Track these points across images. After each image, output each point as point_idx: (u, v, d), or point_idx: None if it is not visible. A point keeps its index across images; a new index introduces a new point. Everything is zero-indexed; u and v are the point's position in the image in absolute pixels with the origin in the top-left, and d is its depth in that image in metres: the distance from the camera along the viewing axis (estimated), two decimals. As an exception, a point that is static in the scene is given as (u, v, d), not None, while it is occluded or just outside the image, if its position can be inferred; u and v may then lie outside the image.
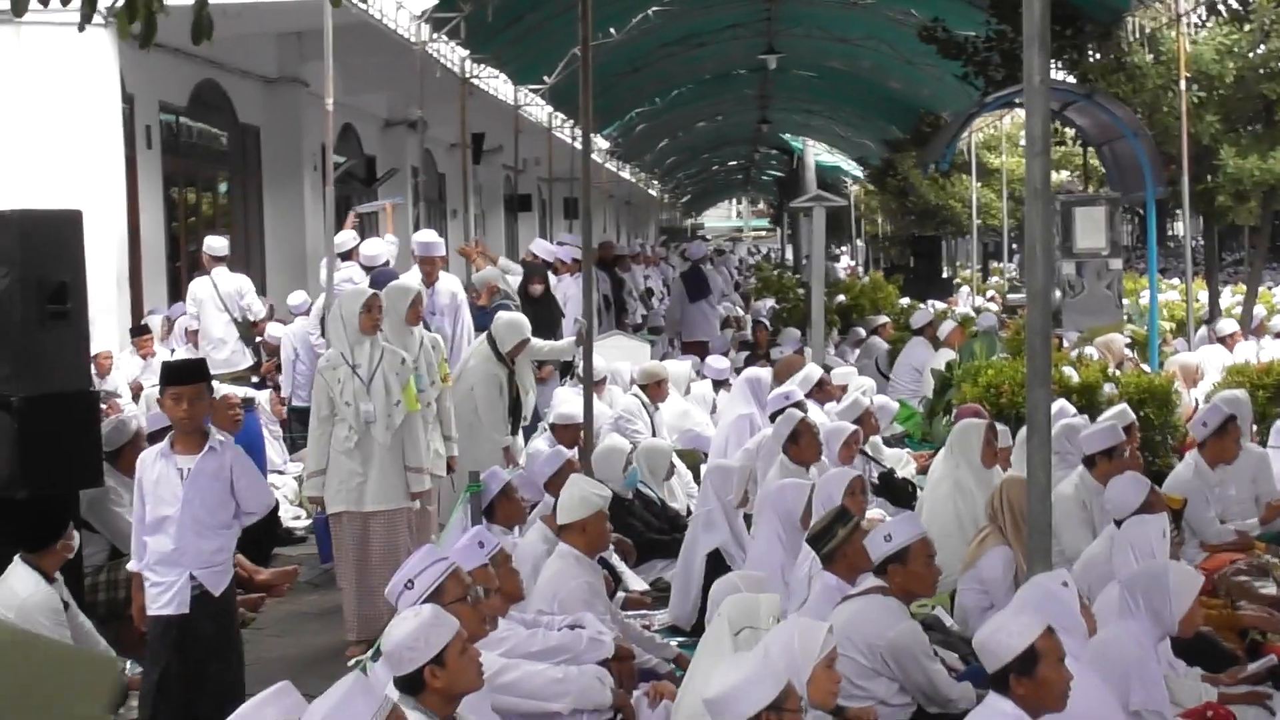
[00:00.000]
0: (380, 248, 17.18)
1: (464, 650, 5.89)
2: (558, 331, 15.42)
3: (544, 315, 15.36)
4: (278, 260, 23.51)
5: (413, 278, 14.24)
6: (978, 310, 29.93)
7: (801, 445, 11.45)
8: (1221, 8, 21.60)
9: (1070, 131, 25.63)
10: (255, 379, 17.50)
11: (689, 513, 12.03)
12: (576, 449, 12.25)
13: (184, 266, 21.13)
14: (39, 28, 16.89)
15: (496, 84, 27.50)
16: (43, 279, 9.05)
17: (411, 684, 5.80)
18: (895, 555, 7.71)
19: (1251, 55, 22.77)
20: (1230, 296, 30.47)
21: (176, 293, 19.66)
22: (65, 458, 9.27)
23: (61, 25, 17.31)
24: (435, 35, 21.72)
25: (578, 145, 33.80)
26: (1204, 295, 26.58)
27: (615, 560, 10.67)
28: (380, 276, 15.10)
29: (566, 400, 14.30)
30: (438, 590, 6.65)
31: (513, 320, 13.03)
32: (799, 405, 13.10)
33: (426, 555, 6.97)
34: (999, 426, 11.87)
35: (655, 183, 66.15)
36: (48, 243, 9.21)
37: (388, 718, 5.15)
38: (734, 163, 70.81)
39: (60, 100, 17.31)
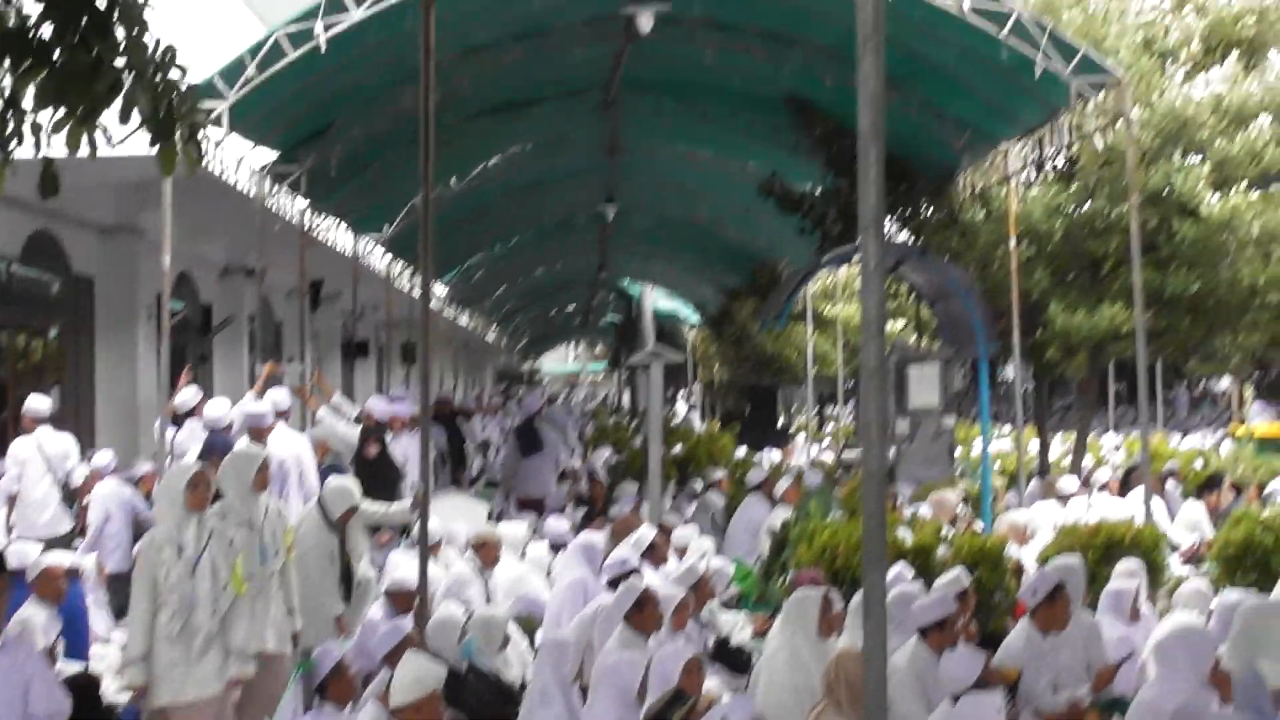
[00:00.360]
0: (224, 409, 16.67)
1: None
2: (395, 492, 15.14)
3: (380, 477, 15.06)
4: (109, 413, 23.08)
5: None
6: (813, 463, 30.08)
7: (645, 614, 11.33)
8: (1049, 167, 22.06)
9: (904, 287, 26.00)
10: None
11: (524, 684, 11.88)
12: (412, 617, 12.08)
13: (10, 418, 20.65)
14: None
15: (336, 233, 27.39)
16: None
17: None
18: None
19: (1077, 213, 23.33)
20: (1060, 446, 30.97)
21: (3, 445, 19.19)
22: None
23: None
24: (276, 188, 21.60)
25: (416, 292, 33.88)
26: (1034, 445, 27.00)
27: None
28: (216, 443, 14.73)
29: (400, 566, 14.10)
30: None
31: (340, 486, 12.85)
32: (634, 573, 13.04)
33: None
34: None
35: (494, 327, 66.14)
36: None
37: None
38: (573, 307, 70.96)
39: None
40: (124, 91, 6.35)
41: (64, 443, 16.83)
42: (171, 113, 6.36)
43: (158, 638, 9.83)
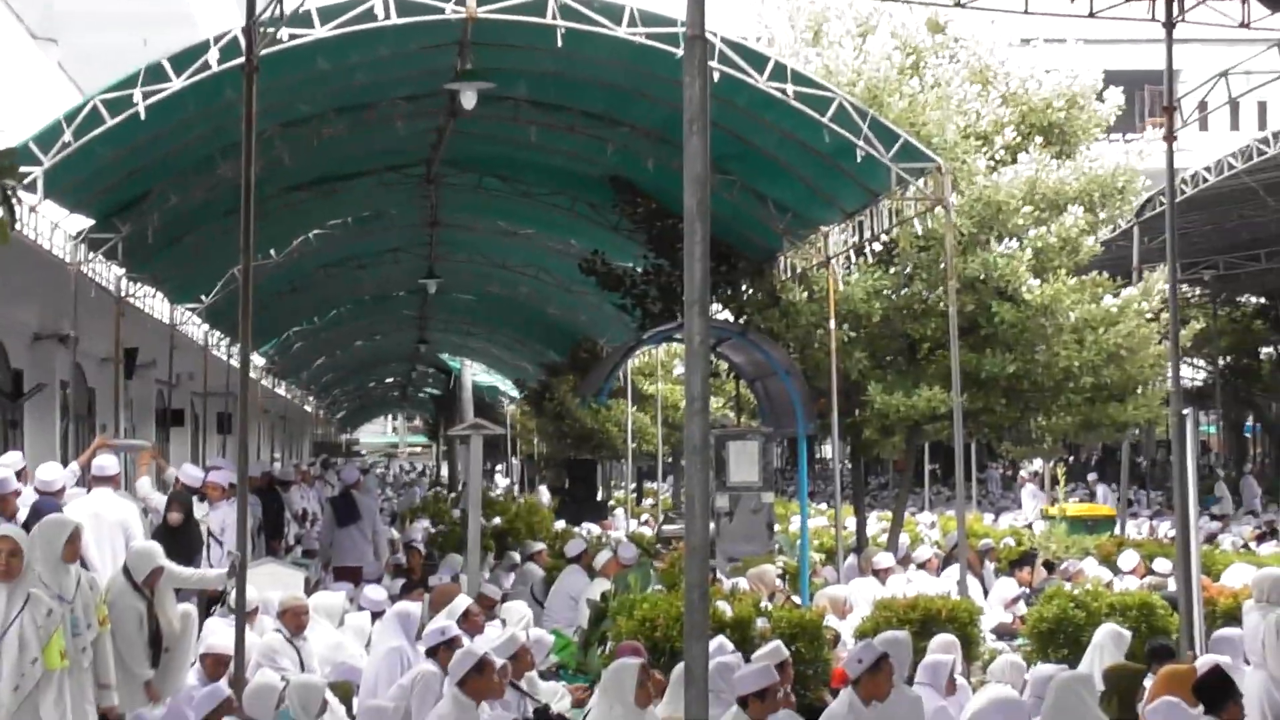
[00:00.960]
0: (56, 473, 16.12)
1: None
2: (196, 560, 14.83)
3: (183, 544, 14.75)
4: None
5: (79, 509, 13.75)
6: (630, 536, 30.15)
7: (483, 679, 11.29)
8: (868, 251, 22.38)
9: (724, 365, 26.23)
10: None
11: (342, 753, 11.81)
12: (226, 682, 11.96)
13: None
14: None
15: (153, 302, 27.10)
16: None
17: None
18: None
19: (896, 296, 23.67)
20: (876, 523, 31.30)
21: None
22: None
23: None
24: (91, 255, 21.32)
25: (233, 362, 33.59)
26: (851, 522, 27.28)
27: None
28: (43, 506, 14.42)
29: (215, 631, 13.96)
30: None
31: (144, 549, 12.68)
32: (454, 641, 13.03)
33: None
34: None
35: (311, 398, 65.61)
36: None
37: None
38: (391, 380, 70.65)
39: None
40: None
41: None
42: (-1, 178, 6.30)
43: None
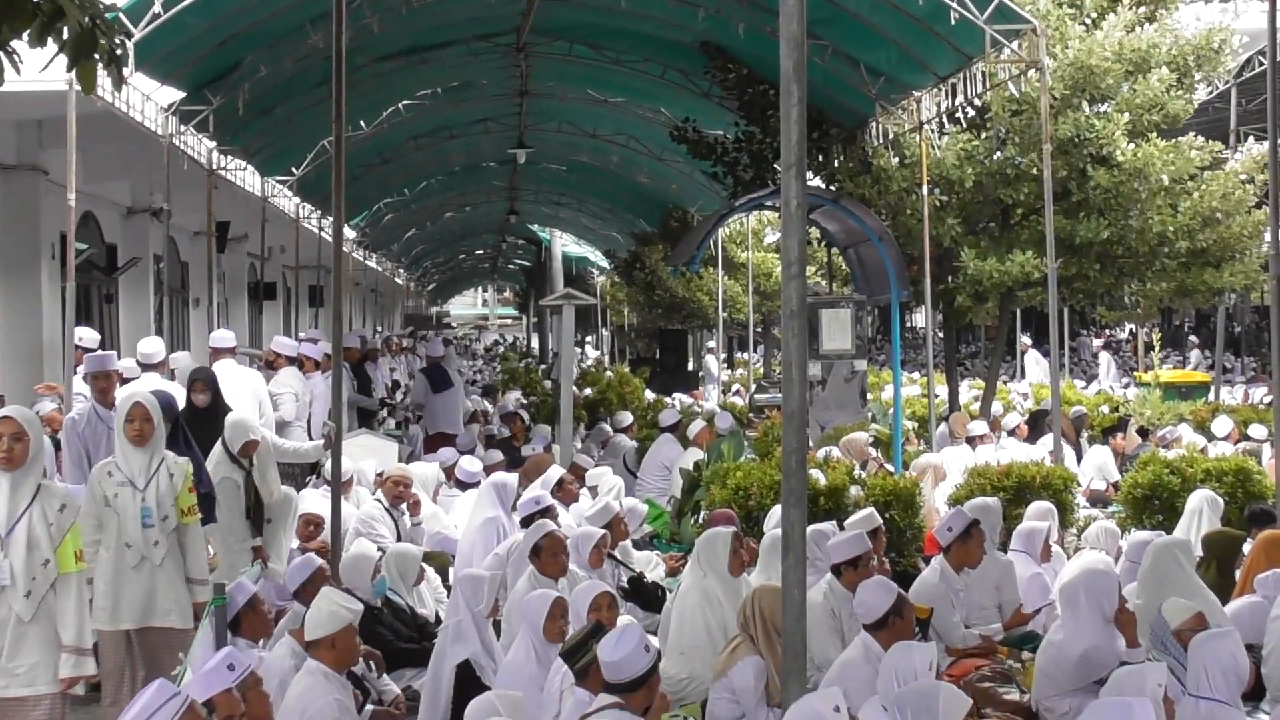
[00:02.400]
0: (156, 346, 16.17)
1: None
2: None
3: (210, 427, 12.70)
4: (11, 352, 22.66)
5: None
6: (723, 406, 30.18)
7: (543, 560, 11.38)
8: (961, 116, 22.14)
9: (816, 233, 26.08)
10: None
11: (438, 620, 11.88)
12: (326, 555, 12.07)
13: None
14: None
15: (244, 175, 27.15)
16: None
17: None
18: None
19: (988, 161, 23.43)
20: (968, 391, 31.17)
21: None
22: None
23: None
24: (183, 128, 21.35)
25: (325, 234, 33.71)
26: (943, 390, 27.18)
27: (367, 672, 10.51)
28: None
29: (309, 499, 14.10)
30: None
31: (237, 420, 12.71)
32: (548, 510, 13.09)
33: (161, 691, 6.60)
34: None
35: (402, 271, 65.85)
36: None
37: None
38: (481, 252, 70.76)
39: None
40: (45, 16, 6.20)
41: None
42: (95, 30, 6.25)
43: None
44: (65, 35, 6.12)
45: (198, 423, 12.56)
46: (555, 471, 15.68)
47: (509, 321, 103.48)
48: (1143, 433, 22.27)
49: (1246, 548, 12.95)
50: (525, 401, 28.86)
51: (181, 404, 13.03)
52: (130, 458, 8.85)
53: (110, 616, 9.11)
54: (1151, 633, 9.39)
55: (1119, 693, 7.32)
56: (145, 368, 15.61)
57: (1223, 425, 22.02)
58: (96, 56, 6.41)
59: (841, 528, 12.55)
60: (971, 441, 20.66)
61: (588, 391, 28.60)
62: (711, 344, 44.85)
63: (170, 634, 9.04)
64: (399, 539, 14.00)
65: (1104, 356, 43.61)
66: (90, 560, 8.65)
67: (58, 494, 8.28)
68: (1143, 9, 23.80)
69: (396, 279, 65.66)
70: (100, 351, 14.52)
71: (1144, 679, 7.65)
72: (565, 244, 55.00)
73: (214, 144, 23.09)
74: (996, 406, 26.57)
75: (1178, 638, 8.96)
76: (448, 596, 11.90)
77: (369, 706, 10.18)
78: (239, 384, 15.63)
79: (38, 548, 7.96)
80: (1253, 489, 15.95)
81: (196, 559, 8.98)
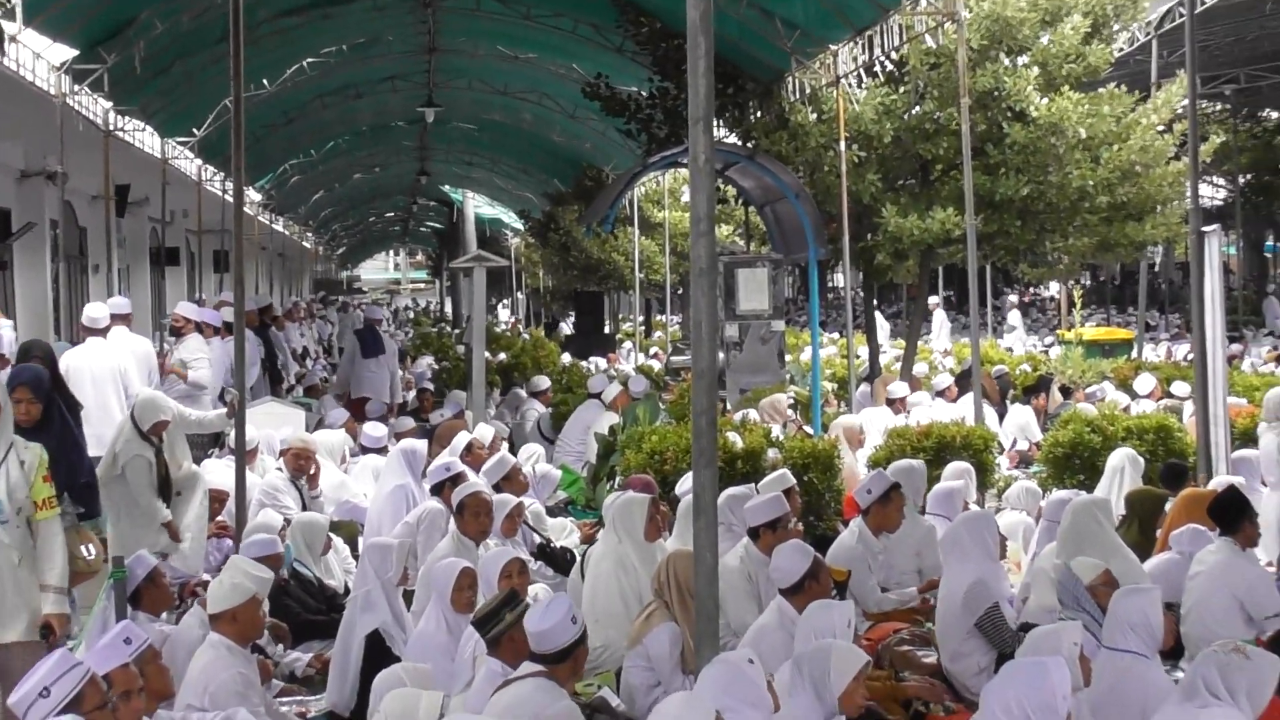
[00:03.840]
0: (100, 311, 15.96)
1: None
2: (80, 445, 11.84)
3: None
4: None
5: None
6: (639, 369, 30.20)
7: (465, 519, 11.38)
8: (878, 69, 22.19)
9: (732, 191, 26.11)
10: None
11: (347, 590, 11.82)
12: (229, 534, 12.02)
13: None
14: None
15: (143, 136, 26.92)
16: None
17: None
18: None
19: (907, 116, 23.53)
20: (890, 351, 31.33)
21: None
22: None
23: None
24: (77, 87, 21.15)
25: (228, 197, 33.47)
26: (864, 351, 27.32)
27: (272, 644, 10.48)
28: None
29: (213, 470, 14.00)
30: (76, 699, 6.35)
31: (149, 399, 12.55)
32: (458, 477, 13.06)
33: (61, 661, 6.56)
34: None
35: (310, 235, 65.54)
36: None
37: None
38: (392, 214, 70.51)
39: None
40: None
41: None
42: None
43: None
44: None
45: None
46: (464, 438, 15.65)
47: (421, 285, 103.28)
48: (1065, 391, 22.43)
49: (1169, 507, 13.10)
50: (437, 367, 28.82)
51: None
52: None
53: None
54: (1062, 588, 9.47)
55: (1034, 653, 7.38)
56: (93, 332, 15.44)
57: (1145, 383, 22.18)
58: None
59: (758, 491, 12.59)
60: (892, 404, 20.77)
61: (502, 356, 28.55)
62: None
63: (11, 650, 7.41)
64: (304, 509, 13.90)
65: (1014, 315, 43.94)
66: None
67: (21, 444, 7.67)
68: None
69: (305, 243, 65.36)
70: None
71: (1059, 638, 7.68)
72: (478, 205, 54.94)
73: (110, 104, 22.89)
74: (921, 367, 26.71)
75: (1092, 594, 9.05)
76: (356, 566, 11.86)
77: (276, 681, 10.16)
78: (129, 351, 15.41)
79: (18, 487, 7.37)
80: (1174, 446, 16.11)
81: (52, 562, 7.44)
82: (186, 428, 13.20)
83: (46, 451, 7.74)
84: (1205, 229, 15.63)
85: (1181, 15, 21.44)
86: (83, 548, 7.58)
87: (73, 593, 7.58)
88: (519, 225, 56.53)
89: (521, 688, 7.73)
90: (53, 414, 9.42)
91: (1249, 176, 46.29)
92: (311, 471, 14.59)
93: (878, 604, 11.51)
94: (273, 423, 16.50)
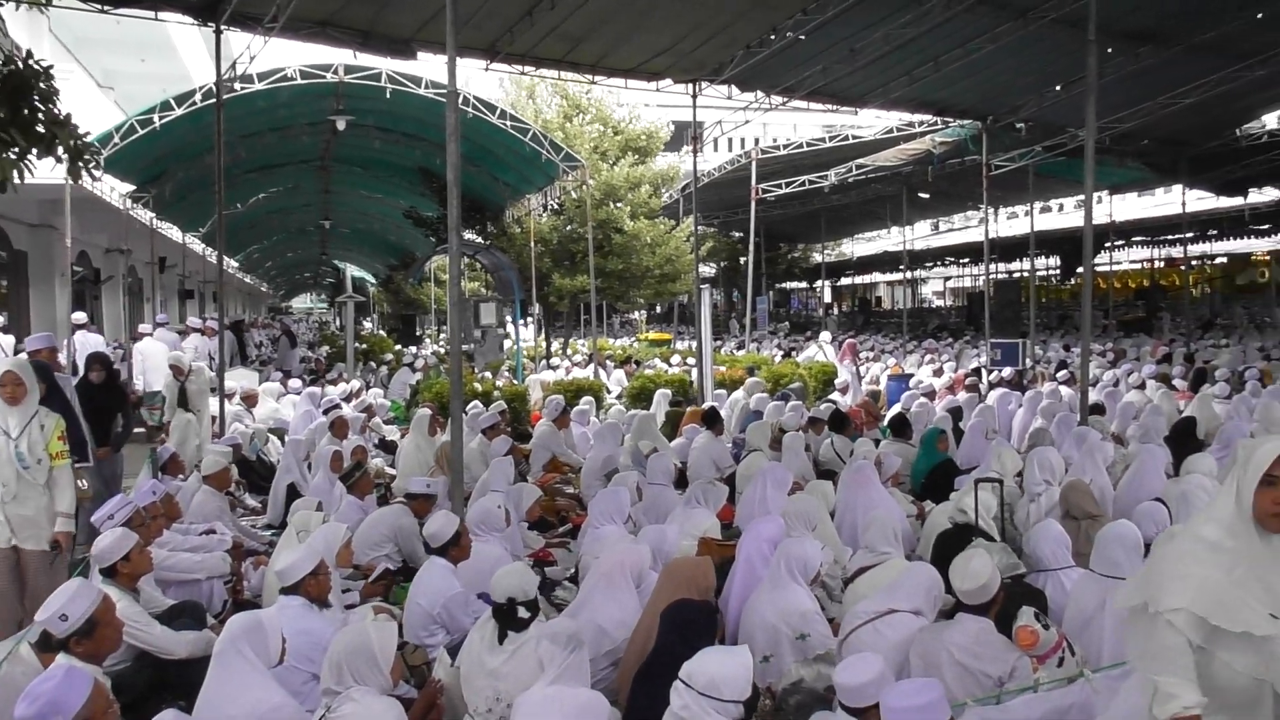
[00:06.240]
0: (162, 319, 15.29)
1: (141, 551, 5.33)
2: (117, 421, 9.11)
3: (103, 401, 8.89)
4: (37, 329, 20.68)
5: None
6: (433, 353, 29.60)
7: (336, 428, 10.82)
8: (549, 206, 22.34)
9: (478, 264, 25.86)
10: None
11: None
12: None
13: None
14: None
15: (171, 231, 25.37)
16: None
17: (110, 572, 5.18)
18: None
19: (563, 230, 23.71)
20: (555, 345, 31.28)
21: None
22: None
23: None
24: (134, 205, 19.91)
25: (214, 261, 31.68)
26: (544, 344, 27.24)
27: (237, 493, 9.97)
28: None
29: (239, 379, 13.52)
30: (128, 521, 6.02)
31: (200, 376, 11.68)
32: (337, 407, 12.63)
33: (120, 501, 6.22)
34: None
35: (265, 283, 62.32)
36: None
37: (104, 599, 4.31)
38: (308, 274, 67.18)
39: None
40: (48, 140, 5.76)
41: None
42: (79, 153, 5.82)
43: None
44: (61, 151, 5.71)
45: (92, 396, 8.69)
46: (344, 388, 15.25)
47: (324, 310, 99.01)
48: (637, 363, 22.62)
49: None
50: (330, 350, 27.85)
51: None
52: (7, 414, 5.89)
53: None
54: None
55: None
56: (147, 336, 14.74)
57: (675, 359, 22.55)
58: (80, 163, 5.99)
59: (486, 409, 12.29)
60: (553, 369, 20.67)
61: (364, 345, 27.74)
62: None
63: (33, 554, 5.98)
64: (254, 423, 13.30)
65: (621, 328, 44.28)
66: None
67: (45, 414, 6.09)
68: (636, 156, 24.43)
69: (262, 286, 62.09)
70: (45, 334, 8.88)
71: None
72: (353, 270, 52.99)
73: (153, 214, 21.49)
74: (572, 354, 26.75)
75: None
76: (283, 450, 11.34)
77: (240, 510, 9.64)
78: (165, 343, 14.58)
79: (37, 444, 5.90)
80: (689, 390, 15.87)
81: (63, 496, 5.93)
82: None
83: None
84: (701, 286, 16.08)
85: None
86: (79, 482, 6.23)
87: (78, 518, 6.19)
88: (373, 279, 54.87)
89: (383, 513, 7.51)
90: (54, 394, 7.09)
91: (725, 262, 47.38)
92: (252, 405, 13.92)
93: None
94: (243, 379, 15.73)
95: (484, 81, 48.94)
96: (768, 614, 4.61)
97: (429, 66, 16.94)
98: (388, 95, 16.76)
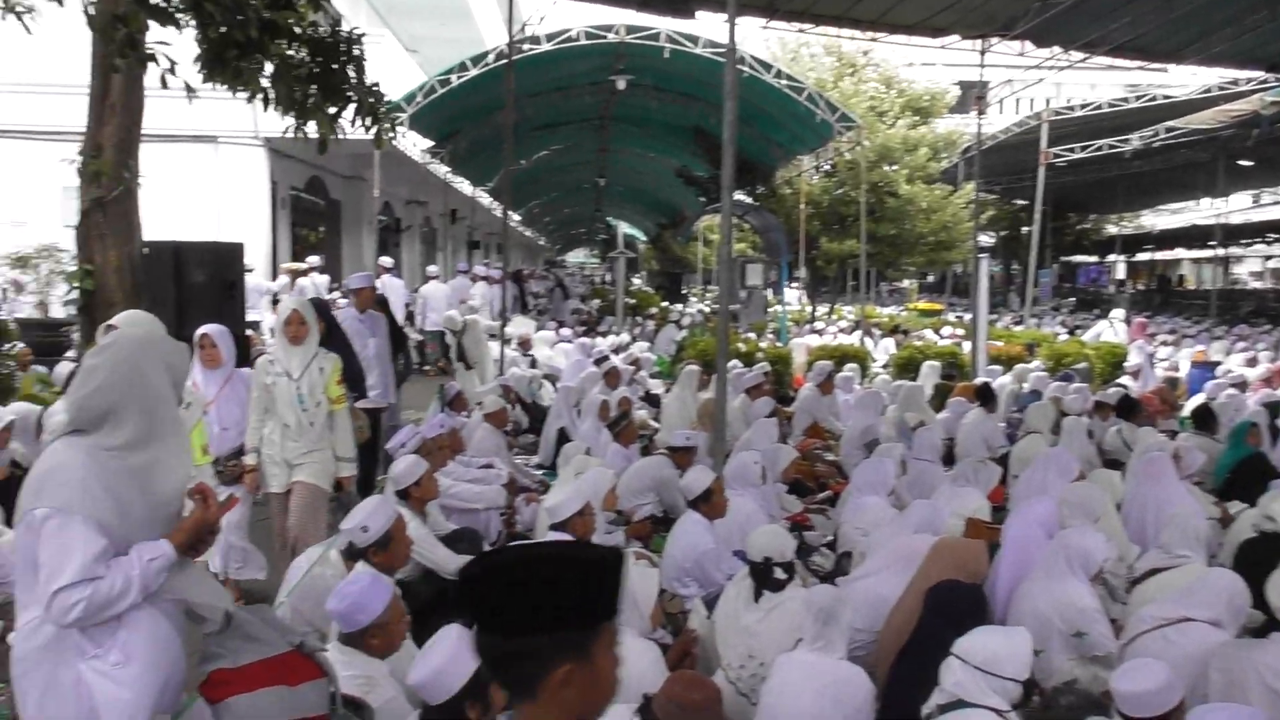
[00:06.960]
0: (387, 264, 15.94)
1: (430, 478, 5.65)
2: (406, 349, 9.46)
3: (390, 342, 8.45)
4: (350, 271, 22.63)
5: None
6: (699, 311, 30.02)
7: (610, 375, 10.87)
8: (821, 168, 22.01)
9: (747, 225, 25.91)
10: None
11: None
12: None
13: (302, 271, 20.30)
14: (228, 146, 16.35)
15: (462, 185, 27.00)
16: (222, 277, 8.30)
17: (403, 494, 5.48)
18: None
19: (835, 193, 23.28)
20: (822, 309, 30.92)
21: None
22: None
23: (240, 145, 16.79)
24: (432, 159, 21.36)
25: (499, 215, 33.51)
26: (809, 309, 26.98)
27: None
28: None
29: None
30: (420, 447, 6.44)
31: (475, 329, 12.48)
32: (605, 358, 12.97)
33: (410, 431, 6.66)
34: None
35: (543, 237, 65.32)
36: (225, 259, 8.47)
37: (398, 518, 4.43)
38: (583, 229, 70.07)
39: (239, 184, 16.79)
40: (358, 105, 6.23)
41: (324, 280, 15.95)
42: (380, 117, 6.28)
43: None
44: (360, 114, 6.20)
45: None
46: (613, 340, 15.58)
47: (596, 265, 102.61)
48: (905, 333, 22.05)
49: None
50: (600, 303, 28.85)
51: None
52: (289, 354, 5.65)
53: (278, 483, 5.72)
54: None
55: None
56: (433, 278, 15.86)
57: (947, 330, 21.85)
58: (386, 125, 6.46)
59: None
60: (819, 333, 20.51)
61: (632, 300, 28.47)
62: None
63: (314, 490, 5.66)
64: (532, 367, 13.63)
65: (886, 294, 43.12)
66: (256, 434, 5.75)
67: (324, 355, 5.71)
68: (918, 117, 23.55)
69: (540, 240, 65.15)
70: (367, 274, 9.01)
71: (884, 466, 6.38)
72: (624, 227, 54.53)
73: (448, 169, 22.96)
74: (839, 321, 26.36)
75: None
76: (556, 394, 11.09)
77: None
78: (450, 286, 15.48)
79: (317, 386, 5.60)
80: (961, 364, 15.33)
81: (344, 439, 5.71)
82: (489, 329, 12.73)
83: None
84: (980, 256, 15.36)
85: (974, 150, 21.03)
86: (357, 424, 5.99)
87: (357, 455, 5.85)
88: (643, 236, 56.20)
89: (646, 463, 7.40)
90: (331, 334, 6.65)
91: (1004, 232, 45.01)
92: (529, 350, 14.24)
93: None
94: (521, 326, 16.46)
95: (751, 45, 48.99)
96: (1041, 604, 4.30)
97: (707, 25, 17.06)
98: (666, 55, 16.98)
